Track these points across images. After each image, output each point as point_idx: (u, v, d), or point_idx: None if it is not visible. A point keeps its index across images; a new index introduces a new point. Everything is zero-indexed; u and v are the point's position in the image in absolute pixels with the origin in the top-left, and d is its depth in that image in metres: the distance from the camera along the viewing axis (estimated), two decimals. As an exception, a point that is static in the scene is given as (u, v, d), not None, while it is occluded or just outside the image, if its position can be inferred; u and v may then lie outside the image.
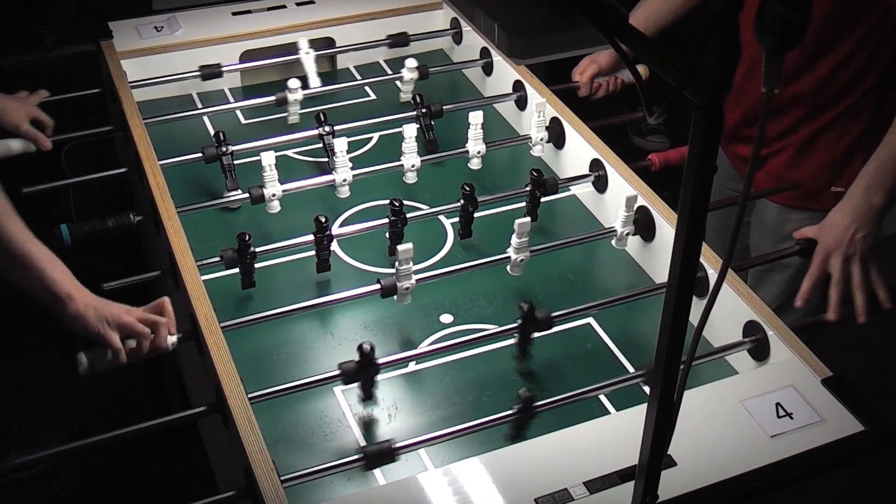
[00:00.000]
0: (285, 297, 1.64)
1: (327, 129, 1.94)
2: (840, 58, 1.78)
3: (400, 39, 2.34)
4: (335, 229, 1.78)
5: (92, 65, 2.24)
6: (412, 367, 1.57)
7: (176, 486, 2.38)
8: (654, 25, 2.07)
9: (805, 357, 1.44)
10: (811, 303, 2.00)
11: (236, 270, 1.66)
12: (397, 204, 1.71)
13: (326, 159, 1.93)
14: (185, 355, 1.68)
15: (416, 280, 1.60)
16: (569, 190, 1.96)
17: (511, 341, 1.56)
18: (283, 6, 2.37)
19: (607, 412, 1.47)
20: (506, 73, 2.19)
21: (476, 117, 1.94)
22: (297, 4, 2.37)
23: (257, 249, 1.65)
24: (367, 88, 2.29)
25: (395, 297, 1.60)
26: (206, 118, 2.16)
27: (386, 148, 2.06)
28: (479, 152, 1.96)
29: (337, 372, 1.42)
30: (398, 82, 2.24)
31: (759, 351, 1.51)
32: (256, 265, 1.67)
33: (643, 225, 1.75)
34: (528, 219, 1.66)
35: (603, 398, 1.49)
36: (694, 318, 1.00)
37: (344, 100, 2.24)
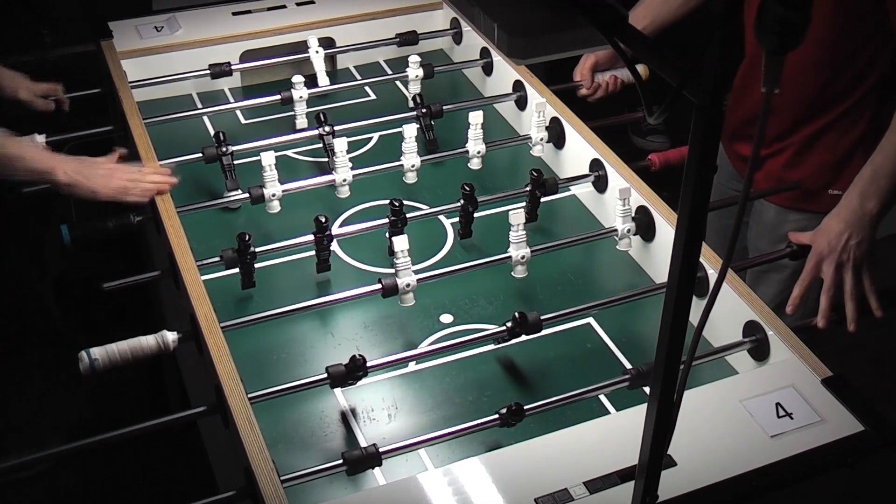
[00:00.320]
0: (285, 297, 1.64)
1: (327, 129, 1.94)
2: (840, 60, 1.78)
3: (408, 38, 2.34)
4: (335, 229, 1.78)
5: (92, 65, 2.24)
6: (412, 367, 1.57)
7: (176, 486, 2.38)
8: (651, 26, 2.07)
9: (805, 357, 1.44)
10: (811, 303, 2.00)
11: (236, 270, 1.66)
12: (397, 204, 1.71)
13: (326, 159, 1.93)
14: (185, 355, 1.68)
15: (417, 280, 1.60)
16: (569, 190, 1.96)
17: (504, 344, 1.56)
18: (283, 6, 2.37)
19: (607, 412, 1.47)
20: (506, 73, 2.19)
21: (476, 117, 1.94)
22: (297, 4, 2.38)
23: (257, 249, 1.65)
24: (367, 88, 2.29)
25: (398, 300, 1.60)
26: (206, 118, 2.16)
27: (386, 148, 2.06)
28: (479, 152, 1.96)
29: (324, 375, 1.42)
30: (398, 82, 2.24)
31: (759, 351, 1.51)
32: (256, 265, 1.67)
33: (643, 225, 1.75)
34: (521, 210, 1.66)
35: (603, 398, 1.49)
36: (694, 318, 1.00)
37: (344, 100, 2.24)
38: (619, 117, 2.24)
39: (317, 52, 2.22)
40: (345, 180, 1.86)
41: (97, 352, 1.42)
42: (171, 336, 1.47)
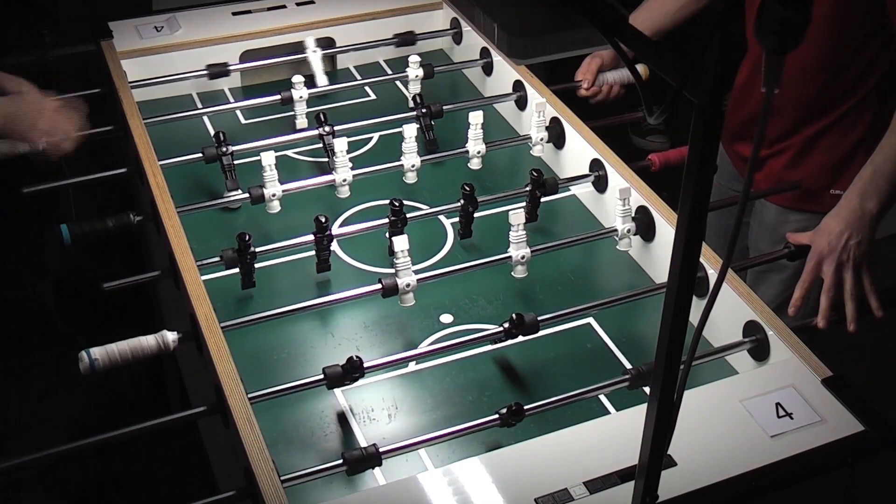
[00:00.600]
0: (285, 297, 1.64)
1: (327, 129, 1.94)
2: (841, 61, 1.78)
3: (406, 38, 2.34)
4: (335, 229, 1.78)
5: (92, 65, 2.24)
6: (412, 367, 1.57)
7: (176, 486, 2.38)
8: (652, 29, 2.07)
9: (805, 357, 1.44)
10: (811, 303, 2.00)
11: (236, 270, 1.66)
12: (397, 204, 1.71)
13: (326, 159, 1.93)
14: (185, 355, 1.68)
15: (417, 280, 1.60)
16: (569, 190, 1.96)
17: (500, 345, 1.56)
18: (283, 6, 2.36)
19: (607, 412, 1.47)
20: (506, 73, 2.19)
21: (476, 117, 1.94)
22: (297, 4, 2.37)
23: (257, 249, 1.65)
24: (367, 88, 2.29)
25: (398, 300, 1.60)
26: (206, 118, 2.16)
27: (386, 148, 2.06)
28: (479, 152, 1.96)
29: (321, 376, 1.42)
30: (398, 82, 2.24)
31: (759, 351, 1.51)
32: (256, 265, 1.67)
33: (643, 225, 1.75)
34: (520, 210, 1.66)
35: (603, 398, 1.49)
36: (694, 318, 1.00)
37: (344, 100, 2.24)
38: (619, 117, 2.24)
39: (314, 51, 2.22)
40: (345, 180, 1.86)
41: (97, 352, 1.42)
42: (171, 336, 1.47)
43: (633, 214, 1.76)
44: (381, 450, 1.31)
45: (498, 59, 2.25)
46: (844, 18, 1.73)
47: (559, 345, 1.61)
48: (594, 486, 1.24)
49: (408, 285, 1.59)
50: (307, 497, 1.32)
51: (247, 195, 1.81)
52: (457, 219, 1.82)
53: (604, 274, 1.81)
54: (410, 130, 1.89)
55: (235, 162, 1.88)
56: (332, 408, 1.50)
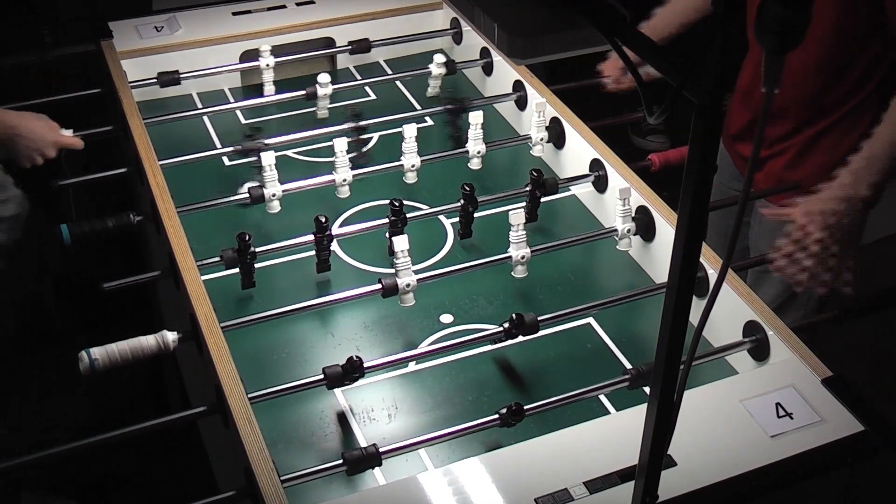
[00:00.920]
0: (285, 297, 1.64)
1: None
2: (842, 62, 1.78)
3: (362, 45, 2.31)
4: (335, 229, 1.78)
5: (92, 65, 2.24)
6: (412, 367, 1.57)
7: (176, 486, 2.38)
8: (661, 34, 2.08)
9: (805, 357, 1.44)
10: (810, 304, 2.00)
11: (236, 270, 1.66)
12: (397, 204, 1.71)
13: (326, 159, 1.93)
14: (185, 355, 1.68)
15: (417, 280, 1.60)
16: (569, 190, 1.96)
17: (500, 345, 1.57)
18: (283, 6, 2.37)
19: (607, 412, 1.48)
20: (506, 73, 2.19)
21: (476, 117, 1.94)
22: (297, 4, 2.38)
23: (257, 249, 1.65)
24: (367, 88, 2.29)
25: (398, 300, 1.60)
26: (206, 118, 2.16)
27: (386, 148, 2.06)
28: (479, 152, 1.96)
29: (321, 376, 1.42)
30: (398, 82, 2.23)
31: (759, 351, 1.51)
32: (256, 265, 1.67)
33: (643, 225, 1.75)
34: (520, 210, 1.66)
35: (603, 398, 1.49)
36: (694, 318, 1.00)
37: (344, 100, 2.24)
38: (619, 117, 2.24)
39: (267, 65, 2.20)
40: (345, 180, 1.86)
41: (97, 352, 1.42)
42: (171, 336, 1.47)
43: (633, 214, 1.76)
44: (381, 450, 1.31)
45: (498, 59, 2.25)
46: (845, 19, 1.73)
47: (559, 345, 1.61)
48: (594, 486, 1.24)
49: (408, 285, 1.59)
50: (307, 497, 1.32)
51: (247, 195, 1.81)
52: (457, 219, 1.82)
53: (604, 274, 1.81)
54: (410, 130, 1.89)
55: (238, 162, 1.87)
56: (332, 408, 1.50)
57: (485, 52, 2.29)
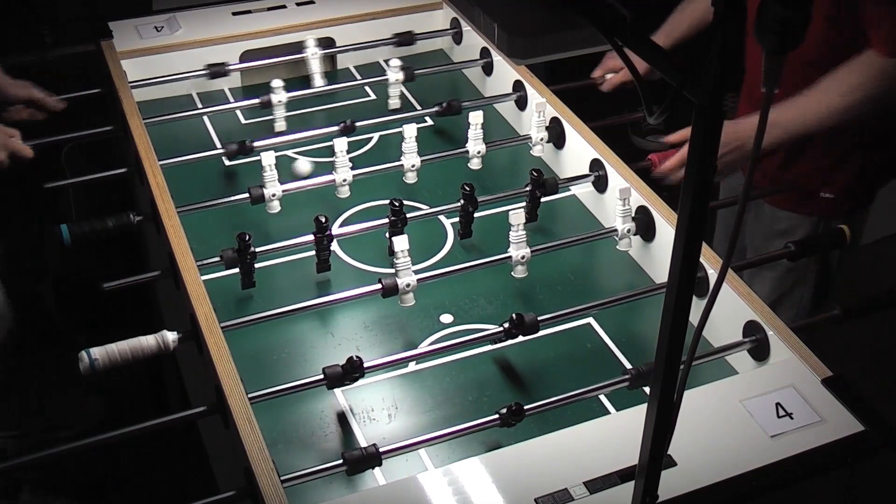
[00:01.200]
0: (285, 297, 1.64)
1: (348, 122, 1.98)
2: (833, 63, 1.78)
3: (405, 38, 2.33)
4: (335, 229, 1.78)
5: (92, 65, 2.24)
6: (412, 367, 1.57)
7: (176, 486, 2.38)
8: (673, 39, 2.09)
9: (805, 357, 1.44)
10: (802, 302, 2.01)
11: (236, 270, 1.66)
12: (397, 204, 1.71)
13: (326, 159, 1.93)
14: (185, 355, 1.68)
15: (417, 280, 1.60)
16: (569, 190, 1.96)
17: (500, 345, 1.57)
18: (283, 6, 2.37)
19: (607, 412, 1.48)
20: (506, 73, 2.19)
21: (476, 117, 1.94)
22: (297, 4, 2.38)
23: (257, 249, 1.65)
24: (367, 88, 2.29)
25: (398, 300, 1.60)
26: (206, 118, 2.16)
27: (386, 148, 2.06)
28: (479, 152, 1.96)
29: (321, 376, 1.42)
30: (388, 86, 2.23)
31: (759, 351, 1.51)
32: (256, 265, 1.67)
33: (643, 225, 1.75)
34: (521, 210, 1.66)
35: (603, 398, 1.49)
36: (694, 318, 1.00)
37: (344, 100, 2.24)
38: (619, 117, 2.24)
39: (313, 54, 2.21)
40: (345, 180, 1.86)
41: (97, 352, 1.42)
42: (171, 336, 1.47)
43: (633, 214, 1.76)
44: (381, 450, 1.31)
45: (498, 59, 2.25)
46: (840, 21, 1.73)
47: (559, 345, 1.61)
48: (594, 486, 1.24)
49: (408, 285, 1.59)
50: (307, 497, 1.32)
51: (247, 195, 1.81)
52: (457, 219, 1.82)
53: (604, 274, 1.81)
54: (410, 130, 1.89)
55: (241, 161, 1.87)
56: (332, 408, 1.50)
57: (485, 52, 2.29)
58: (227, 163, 2.03)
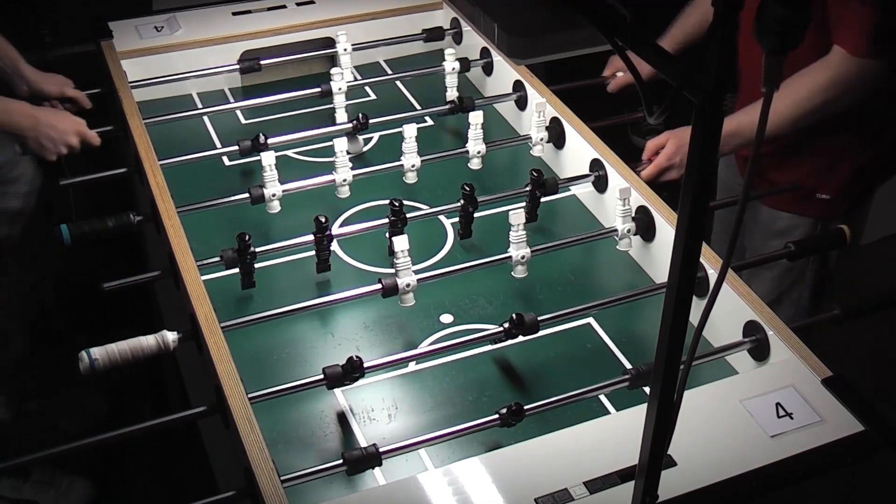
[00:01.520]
0: (285, 297, 1.64)
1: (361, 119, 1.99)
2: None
3: (436, 34, 2.33)
4: (335, 229, 1.78)
5: (92, 65, 2.24)
6: (412, 367, 1.57)
7: (176, 486, 2.38)
8: (680, 43, 2.10)
9: (805, 357, 1.44)
10: (801, 302, 2.01)
11: (236, 270, 1.66)
12: (397, 204, 1.71)
13: (327, 159, 1.93)
14: (185, 355, 1.68)
15: (417, 280, 1.60)
16: (569, 190, 1.96)
17: (500, 345, 1.56)
18: (283, 6, 2.37)
19: (607, 412, 1.48)
20: (506, 73, 2.19)
21: (476, 117, 1.94)
22: (297, 4, 2.38)
23: (257, 249, 1.65)
24: (367, 88, 2.29)
25: (398, 300, 1.60)
26: (206, 118, 2.16)
27: (386, 148, 2.06)
28: (479, 152, 1.96)
29: (321, 376, 1.42)
30: (398, 82, 2.23)
31: (759, 351, 1.51)
32: (256, 265, 1.66)
33: (643, 225, 1.75)
34: (521, 210, 1.66)
35: (603, 398, 1.49)
36: (694, 318, 1.00)
37: (344, 100, 2.24)
38: (619, 117, 2.24)
39: (345, 49, 2.21)
40: (345, 180, 1.86)
41: (97, 352, 1.42)
42: (171, 336, 1.47)
43: (633, 214, 1.76)
44: (381, 450, 1.31)
45: (498, 59, 2.25)
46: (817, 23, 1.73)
47: (559, 345, 1.61)
48: (594, 486, 1.24)
49: (408, 285, 1.59)
50: (307, 497, 1.32)
51: (247, 195, 1.81)
52: (457, 219, 1.82)
53: (604, 274, 1.81)
54: (410, 130, 1.89)
55: (242, 161, 1.87)
56: (332, 408, 1.50)
57: (485, 52, 2.29)
58: (227, 163, 2.03)
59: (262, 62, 2.25)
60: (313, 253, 1.71)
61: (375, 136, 2.12)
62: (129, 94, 2.03)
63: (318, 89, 2.11)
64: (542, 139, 2.01)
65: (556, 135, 2.01)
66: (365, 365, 1.42)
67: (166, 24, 2.28)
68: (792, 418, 1.34)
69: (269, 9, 2.36)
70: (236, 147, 1.94)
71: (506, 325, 1.49)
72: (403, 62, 2.27)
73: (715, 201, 1.94)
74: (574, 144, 1.96)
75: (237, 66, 2.21)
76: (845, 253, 1.98)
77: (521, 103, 2.14)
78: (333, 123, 2.09)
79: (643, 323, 1.66)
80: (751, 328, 1.52)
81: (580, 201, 1.95)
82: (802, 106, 1.75)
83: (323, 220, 1.66)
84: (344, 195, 1.88)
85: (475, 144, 1.95)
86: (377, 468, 1.33)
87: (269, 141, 1.93)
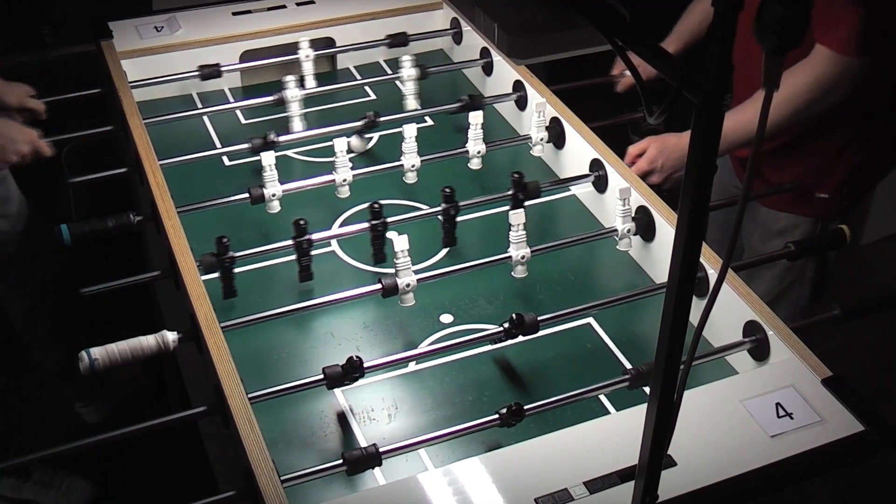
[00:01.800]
0: (285, 297, 1.64)
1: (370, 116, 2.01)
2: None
3: (399, 39, 2.33)
4: (335, 229, 1.78)
5: (92, 65, 2.24)
6: (412, 367, 1.57)
7: (176, 486, 2.38)
8: (683, 43, 2.10)
9: (805, 357, 1.44)
10: (800, 302, 2.01)
11: (238, 270, 1.66)
12: (377, 207, 1.70)
13: (327, 159, 1.93)
14: (185, 355, 1.68)
15: (417, 280, 1.60)
16: (569, 190, 1.96)
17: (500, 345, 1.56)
18: (283, 6, 2.37)
19: (607, 412, 1.48)
20: (506, 73, 2.19)
21: (476, 117, 1.94)
22: (297, 4, 2.38)
23: (257, 250, 1.65)
24: (367, 88, 2.29)
25: (398, 300, 1.60)
26: (206, 118, 2.16)
27: (386, 148, 2.06)
28: (479, 152, 1.96)
29: (321, 376, 1.42)
30: (397, 82, 2.23)
31: (759, 351, 1.51)
32: (256, 265, 1.66)
33: (643, 225, 1.75)
34: (521, 210, 1.66)
35: (603, 398, 1.49)
36: (694, 318, 1.00)
37: (344, 100, 2.24)
38: (619, 117, 2.24)
39: (307, 56, 2.21)
40: (345, 180, 1.86)
41: (97, 352, 1.42)
42: (171, 336, 1.47)
43: (633, 214, 1.76)
44: (381, 450, 1.31)
45: (498, 59, 2.25)
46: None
47: (559, 345, 1.61)
48: (594, 486, 1.24)
49: (408, 285, 1.59)
50: (307, 497, 1.32)
51: (247, 195, 1.81)
52: (459, 217, 1.81)
53: (604, 274, 1.81)
54: (410, 130, 1.89)
55: (239, 162, 1.86)
56: (332, 408, 1.50)
57: (485, 52, 2.29)
58: (228, 163, 2.03)
59: (262, 62, 2.25)
60: (313, 253, 1.70)
61: (375, 136, 2.12)
62: (129, 94, 2.03)
63: (273, 97, 2.10)
64: (542, 139, 2.01)
65: (556, 135, 2.01)
66: (365, 365, 1.42)
67: (166, 24, 2.28)
68: (792, 418, 1.34)
69: (269, 9, 2.36)
70: (246, 145, 1.94)
71: (506, 325, 1.49)
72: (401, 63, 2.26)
73: (712, 202, 1.95)
74: (574, 144, 1.96)
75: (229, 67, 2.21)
76: (845, 253, 1.98)
77: (521, 103, 2.14)
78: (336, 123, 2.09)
79: (643, 323, 1.66)
80: (751, 328, 1.52)
81: (580, 201, 1.95)
82: (787, 106, 1.75)
83: (302, 223, 1.65)
84: (344, 195, 1.88)
85: (475, 144, 1.95)
86: (377, 468, 1.33)
87: (281, 139, 1.94)
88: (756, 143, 0.86)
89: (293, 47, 2.26)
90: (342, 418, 1.48)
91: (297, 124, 2.11)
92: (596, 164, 1.88)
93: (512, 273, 1.69)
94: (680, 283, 0.92)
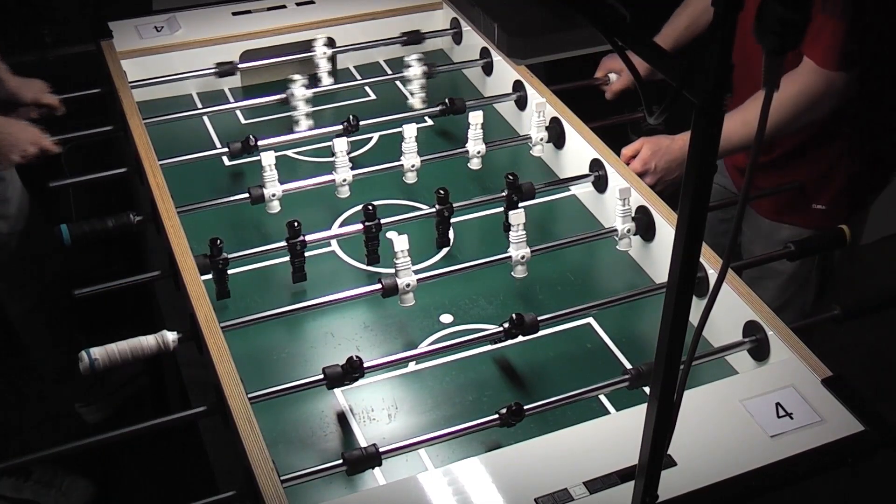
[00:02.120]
0: (285, 297, 1.64)
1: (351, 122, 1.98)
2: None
3: (414, 37, 2.33)
4: (334, 229, 1.78)
5: (92, 65, 2.24)
6: (412, 367, 1.57)
7: (176, 486, 2.38)
8: (672, 46, 2.10)
9: (805, 357, 1.44)
10: (805, 309, 2.01)
11: (237, 270, 1.66)
12: (371, 208, 1.70)
13: (327, 159, 1.93)
14: (185, 355, 1.68)
15: (417, 280, 1.60)
16: (568, 190, 1.96)
17: (500, 345, 1.56)
18: (283, 6, 2.37)
19: (607, 412, 1.48)
20: (506, 73, 2.19)
21: (476, 117, 1.94)
22: (297, 4, 2.38)
23: (252, 251, 1.65)
24: (367, 88, 2.29)
25: (398, 300, 1.60)
26: (206, 118, 2.16)
27: (386, 148, 2.06)
28: (479, 152, 1.96)
29: (321, 376, 1.42)
30: (397, 82, 2.23)
31: (759, 351, 1.51)
32: (256, 265, 1.66)
33: (643, 225, 1.75)
34: (521, 210, 1.66)
35: (603, 398, 1.49)
36: (694, 318, 1.00)
37: (344, 100, 2.24)
38: (619, 117, 2.24)
39: (321, 53, 2.21)
40: (345, 180, 1.86)
41: (97, 352, 1.42)
42: (171, 336, 1.47)
43: (633, 214, 1.76)
44: (381, 450, 1.31)
45: (498, 59, 2.25)
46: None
47: (559, 345, 1.61)
48: (594, 486, 1.24)
49: (408, 285, 1.59)
50: (307, 497, 1.32)
51: (247, 195, 1.81)
52: (459, 218, 1.82)
53: (604, 274, 1.81)
54: (410, 130, 1.89)
55: (245, 161, 1.86)
56: (332, 408, 1.50)
57: (485, 52, 2.29)
58: (227, 163, 2.03)
59: (262, 62, 2.25)
60: (314, 253, 1.70)
61: (375, 136, 2.12)
62: (129, 94, 2.03)
63: (278, 96, 2.10)
64: (542, 139, 2.01)
65: (556, 135, 2.01)
66: (365, 365, 1.42)
67: (166, 24, 2.28)
68: (792, 418, 1.34)
69: (269, 9, 2.36)
70: (238, 146, 1.94)
71: (506, 325, 1.49)
72: (403, 62, 2.26)
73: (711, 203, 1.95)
74: (574, 144, 1.96)
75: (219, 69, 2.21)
76: (845, 253, 1.98)
77: (521, 103, 2.14)
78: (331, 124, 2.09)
79: (643, 323, 1.66)
80: (751, 328, 1.52)
81: (580, 201, 1.95)
82: (773, 118, 1.74)
83: (296, 224, 1.64)
84: (344, 195, 1.88)
85: (475, 144, 1.95)
86: (377, 468, 1.33)
87: (260, 143, 1.92)
88: (756, 142, 0.86)
89: (294, 47, 2.26)
90: (342, 418, 1.48)
91: (303, 123, 2.11)
92: (596, 164, 1.88)
93: (512, 273, 1.69)
94: (680, 283, 0.92)
